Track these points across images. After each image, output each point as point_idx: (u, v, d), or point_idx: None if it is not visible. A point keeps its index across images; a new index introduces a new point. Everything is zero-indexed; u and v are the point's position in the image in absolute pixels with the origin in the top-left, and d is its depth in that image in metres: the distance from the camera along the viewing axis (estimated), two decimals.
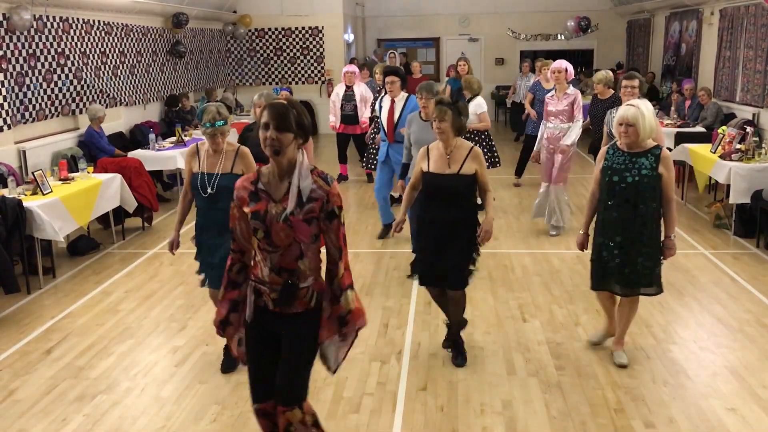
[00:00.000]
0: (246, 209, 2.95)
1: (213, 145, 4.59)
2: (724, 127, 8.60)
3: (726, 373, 4.61)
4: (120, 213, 8.04)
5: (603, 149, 4.65)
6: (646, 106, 4.40)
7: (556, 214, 7.73)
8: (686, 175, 9.36)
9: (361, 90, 10.42)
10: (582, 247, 4.81)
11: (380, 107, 7.56)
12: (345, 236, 3.00)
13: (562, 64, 7.63)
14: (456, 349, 4.86)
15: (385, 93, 7.54)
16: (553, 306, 5.78)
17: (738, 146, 7.78)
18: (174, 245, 4.79)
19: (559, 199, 7.70)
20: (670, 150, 9.66)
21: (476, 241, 4.57)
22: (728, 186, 7.58)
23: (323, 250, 3.01)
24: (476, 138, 8.60)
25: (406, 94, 7.45)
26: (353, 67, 10.67)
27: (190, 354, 5.06)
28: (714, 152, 8.12)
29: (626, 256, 4.51)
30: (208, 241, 4.63)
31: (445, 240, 4.57)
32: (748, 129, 8.05)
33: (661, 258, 4.56)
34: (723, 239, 7.59)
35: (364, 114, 10.36)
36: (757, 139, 7.83)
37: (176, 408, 4.32)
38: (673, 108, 11.81)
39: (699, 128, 10.34)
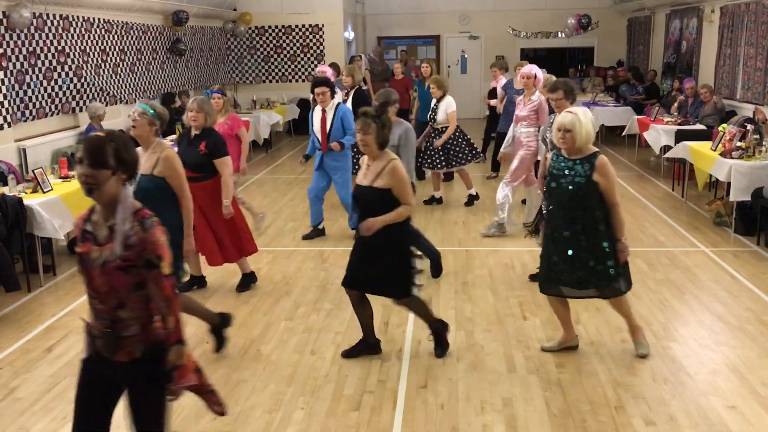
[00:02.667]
0: (77, 249, 2.76)
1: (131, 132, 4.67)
2: (724, 125, 8.59)
3: (726, 370, 4.61)
4: None
5: (549, 154, 4.69)
6: (584, 113, 4.45)
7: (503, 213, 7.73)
8: (686, 172, 9.36)
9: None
10: None
11: (311, 118, 7.58)
12: (173, 287, 2.74)
13: (532, 69, 7.51)
14: (436, 339, 4.90)
15: (316, 104, 7.56)
16: (551, 304, 5.77)
17: (738, 144, 7.78)
18: None
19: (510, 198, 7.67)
20: (669, 147, 9.72)
21: (406, 252, 4.57)
22: (728, 184, 7.57)
23: None
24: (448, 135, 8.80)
25: (337, 102, 7.53)
26: (325, 68, 10.70)
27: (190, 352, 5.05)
28: (714, 150, 8.11)
29: (573, 260, 4.54)
30: None
31: (370, 250, 4.57)
32: (749, 127, 8.05)
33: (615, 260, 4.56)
34: (723, 237, 7.59)
35: None
36: (757, 136, 7.82)
37: (176, 405, 4.31)
38: (675, 104, 11.81)
39: (699, 126, 10.33)
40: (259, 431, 4.02)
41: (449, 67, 18.60)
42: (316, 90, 7.41)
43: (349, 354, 4.90)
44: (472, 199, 9.21)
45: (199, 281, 6.36)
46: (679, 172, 9.82)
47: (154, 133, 4.75)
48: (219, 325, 4.94)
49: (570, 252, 4.54)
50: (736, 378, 4.50)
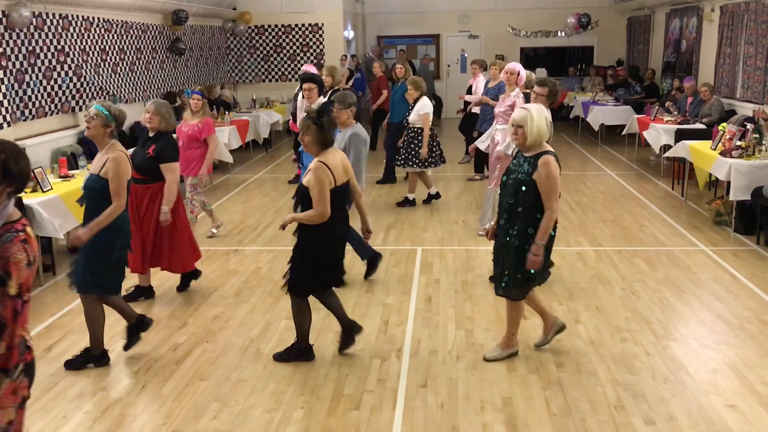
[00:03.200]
0: None
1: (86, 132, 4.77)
2: (724, 124, 8.59)
3: (726, 369, 4.61)
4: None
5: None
6: (537, 110, 4.43)
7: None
8: (686, 172, 9.36)
9: None
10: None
11: (297, 114, 7.60)
12: (15, 310, 2.51)
13: (516, 67, 7.50)
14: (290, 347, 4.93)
15: (303, 99, 7.58)
16: (553, 303, 5.78)
17: (738, 143, 7.78)
18: None
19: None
20: (669, 147, 9.72)
21: (312, 254, 4.63)
22: (728, 183, 7.57)
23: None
24: (416, 136, 8.86)
25: (324, 99, 7.52)
26: (310, 67, 10.69)
27: (190, 351, 5.06)
28: (714, 149, 8.11)
29: (499, 254, 4.63)
30: None
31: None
32: (748, 126, 8.05)
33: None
34: (723, 236, 7.59)
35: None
36: (757, 135, 7.82)
37: (177, 405, 4.33)
38: (669, 103, 11.80)
39: (699, 125, 10.33)
40: (259, 431, 4.02)
41: (449, 66, 18.60)
42: (304, 86, 7.44)
43: (343, 347, 4.97)
44: (430, 198, 9.29)
45: (145, 291, 6.13)
46: (678, 172, 9.82)
47: (109, 135, 4.74)
48: (136, 325, 5.00)
49: (500, 242, 4.58)
50: (736, 377, 4.50)
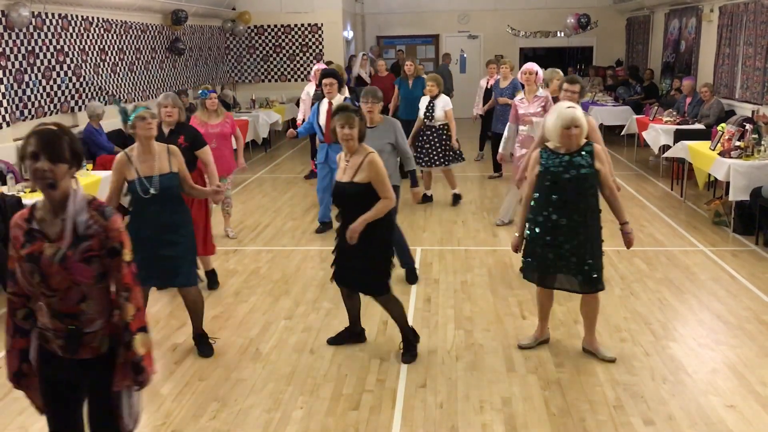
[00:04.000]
0: (22, 251, 2.62)
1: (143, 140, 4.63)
2: (723, 125, 8.59)
3: (725, 370, 4.61)
4: (120, 210, 8.01)
5: (536, 152, 4.59)
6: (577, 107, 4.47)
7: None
8: (685, 172, 9.36)
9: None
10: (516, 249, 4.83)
11: (317, 110, 7.57)
12: (133, 274, 2.69)
13: (533, 66, 7.48)
14: (405, 346, 4.86)
15: (323, 96, 7.58)
16: (552, 303, 5.77)
17: (737, 143, 7.78)
18: None
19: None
20: (668, 147, 9.73)
21: (386, 248, 4.64)
22: (727, 183, 7.58)
23: None
24: (443, 133, 8.79)
25: (343, 96, 7.53)
26: (322, 65, 10.66)
27: (189, 351, 5.06)
28: (713, 149, 8.12)
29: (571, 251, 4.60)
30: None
31: (351, 246, 4.57)
32: (747, 126, 8.05)
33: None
34: (722, 236, 7.60)
35: None
36: (756, 136, 7.82)
37: (176, 405, 4.32)
38: (669, 110, 11.79)
39: (698, 125, 10.33)
40: (258, 430, 4.02)
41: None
42: (324, 81, 7.43)
43: (334, 341, 5.07)
44: (426, 199, 9.25)
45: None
46: (678, 172, 9.83)
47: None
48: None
49: (562, 239, 4.53)
50: (735, 377, 4.51)
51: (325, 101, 7.54)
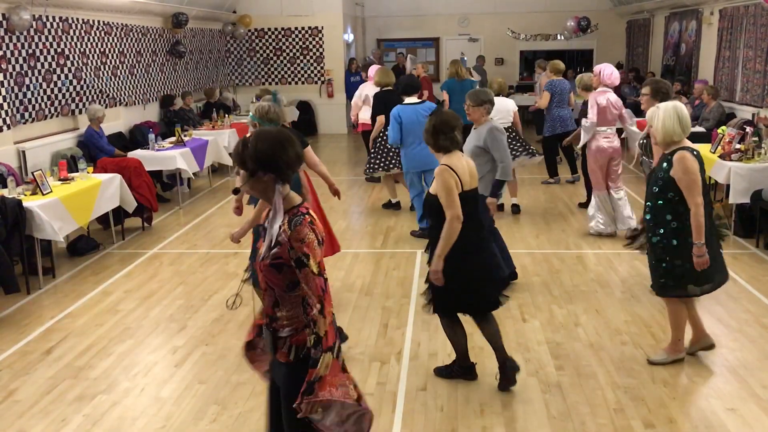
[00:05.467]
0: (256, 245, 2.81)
1: None
2: (723, 127, 8.59)
3: (726, 373, 4.61)
4: (120, 213, 8.04)
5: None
6: (664, 108, 4.40)
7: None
8: None
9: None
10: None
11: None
12: (323, 288, 2.63)
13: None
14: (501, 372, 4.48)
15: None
16: (552, 306, 5.78)
17: (737, 146, 7.78)
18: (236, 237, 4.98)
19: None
20: None
21: (449, 264, 4.17)
22: (728, 186, 7.58)
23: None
24: (513, 135, 8.66)
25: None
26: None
27: (189, 354, 5.06)
28: (713, 152, 8.12)
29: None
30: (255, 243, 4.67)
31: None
32: (748, 129, 8.05)
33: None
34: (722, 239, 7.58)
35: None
36: (756, 138, 7.82)
37: (176, 408, 4.32)
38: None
39: (699, 128, 10.32)
40: None
41: (448, 69, 18.58)
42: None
43: (441, 373, 4.64)
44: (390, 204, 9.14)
45: None
46: None
47: None
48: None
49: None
50: (736, 380, 4.50)
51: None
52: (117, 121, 10.56)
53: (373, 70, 9.89)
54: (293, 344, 2.71)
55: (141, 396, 4.48)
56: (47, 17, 8.76)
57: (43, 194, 6.72)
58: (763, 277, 6.39)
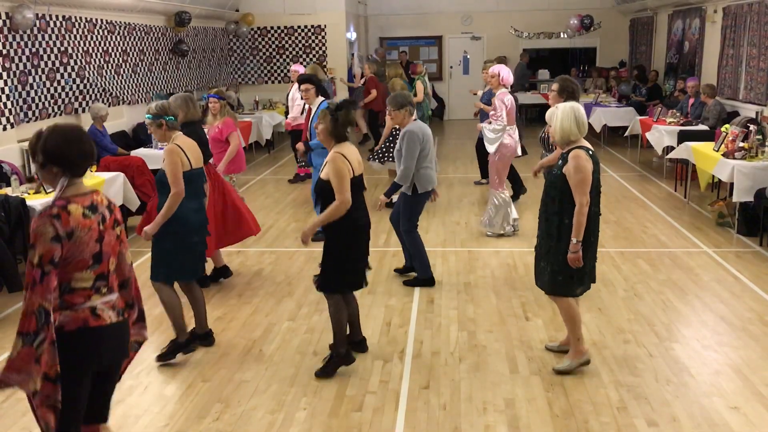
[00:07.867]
0: None
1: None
2: (727, 125, 8.58)
3: (729, 371, 4.60)
4: (123, 211, 8.05)
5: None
6: (563, 108, 4.41)
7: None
8: (689, 173, 9.35)
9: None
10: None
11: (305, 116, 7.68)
12: (35, 279, 2.72)
13: (495, 69, 7.72)
14: (328, 357, 4.80)
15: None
16: (555, 304, 5.77)
17: (741, 144, 7.77)
18: None
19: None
20: (672, 148, 9.71)
21: (337, 241, 4.58)
22: (731, 184, 7.57)
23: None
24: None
25: (321, 99, 7.46)
26: (299, 67, 10.79)
27: (192, 353, 5.06)
28: (717, 150, 8.10)
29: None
30: None
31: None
32: (751, 127, 8.03)
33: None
34: (726, 237, 7.58)
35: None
36: (760, 137, 7.81)
37: (179, 406, 4.33)
38: (660, 103, 11.75)
39: (702, 126, 10.30)
40: None
41: (451, 67, 18.60)
42: (301, 87, 7.45)
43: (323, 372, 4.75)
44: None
45: (223, 272, 6.54)
46: (681, 173, 9.81)
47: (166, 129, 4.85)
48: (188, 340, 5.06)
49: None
50: (739, 379, 4.50)
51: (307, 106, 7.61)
52: (120, 119, 10.58)
53: (301, 68, 10.29)
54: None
55: (144, 394, 4.49)
56: (50, 16, 8.77)
57: (47, 193, 6.74)
58: (766, 275, 6.38)
